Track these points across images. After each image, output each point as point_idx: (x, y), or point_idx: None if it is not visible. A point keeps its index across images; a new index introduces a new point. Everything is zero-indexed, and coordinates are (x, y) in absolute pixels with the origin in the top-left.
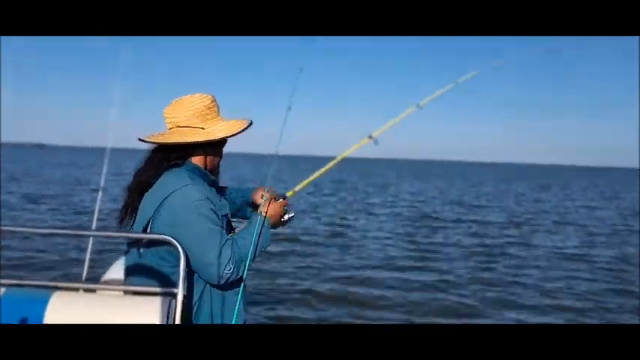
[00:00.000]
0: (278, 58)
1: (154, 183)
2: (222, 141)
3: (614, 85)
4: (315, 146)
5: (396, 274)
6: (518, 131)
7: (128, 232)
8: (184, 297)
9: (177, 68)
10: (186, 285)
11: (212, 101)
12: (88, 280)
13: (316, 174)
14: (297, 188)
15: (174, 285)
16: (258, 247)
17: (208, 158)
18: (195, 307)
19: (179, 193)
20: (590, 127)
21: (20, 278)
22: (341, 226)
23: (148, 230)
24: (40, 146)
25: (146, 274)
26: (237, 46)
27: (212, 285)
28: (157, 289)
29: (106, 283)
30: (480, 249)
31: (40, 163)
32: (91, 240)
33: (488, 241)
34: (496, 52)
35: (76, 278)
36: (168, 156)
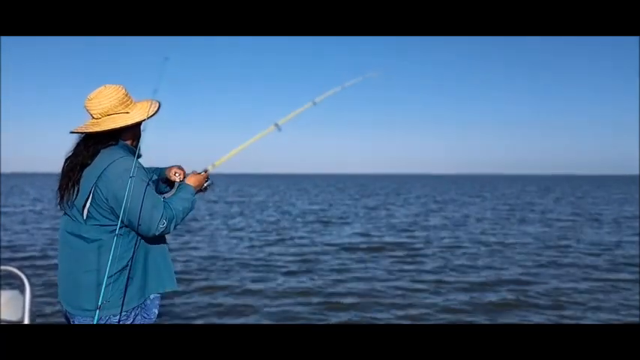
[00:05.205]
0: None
1: (90, 163)
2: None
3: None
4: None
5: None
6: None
7: None
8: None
9: None
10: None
11: (125, 89)
12: None
13: (230, 154)
14: (216, 163)
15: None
16: (186, 209)
17: (134, 136)
18: (128, 269)
19: (116, 163)
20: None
21: None
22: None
23: (90, 200)
24: None
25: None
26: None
27: (145, 240)
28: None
29: None
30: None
31: None
32: None
33: None
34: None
35: None
36: (100, 139)
